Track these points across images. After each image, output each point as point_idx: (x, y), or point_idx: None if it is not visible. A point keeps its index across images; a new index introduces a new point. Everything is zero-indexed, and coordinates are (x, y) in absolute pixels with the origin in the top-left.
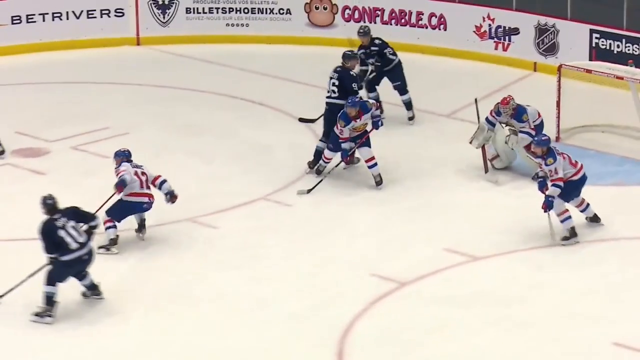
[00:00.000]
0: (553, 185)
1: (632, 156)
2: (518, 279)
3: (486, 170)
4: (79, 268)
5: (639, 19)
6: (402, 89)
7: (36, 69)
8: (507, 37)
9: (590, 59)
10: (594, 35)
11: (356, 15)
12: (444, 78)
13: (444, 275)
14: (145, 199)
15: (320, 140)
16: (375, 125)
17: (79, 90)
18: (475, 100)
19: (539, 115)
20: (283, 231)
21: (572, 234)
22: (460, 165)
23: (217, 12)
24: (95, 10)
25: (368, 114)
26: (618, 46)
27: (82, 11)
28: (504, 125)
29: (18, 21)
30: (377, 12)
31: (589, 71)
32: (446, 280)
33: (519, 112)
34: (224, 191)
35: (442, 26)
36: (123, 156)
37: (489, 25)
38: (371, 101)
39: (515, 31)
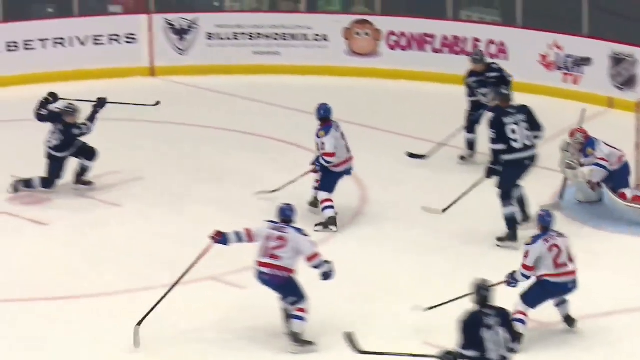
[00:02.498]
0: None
1: None
2: None
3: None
4: None
5: None
6: None
7: None
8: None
9: None
10: None
11: (403, 42)
12: None
13: None
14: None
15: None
16: None
17: None
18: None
19: (619, 159)
20: (321, 290)
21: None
22: None
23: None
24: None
25: None
26: None
27: None
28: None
29: None
30: (427, 38)
31: None
32: None
33: (586, 145)
34: (249, 245)
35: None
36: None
37: (557, 54)
38: None
39: (586, 62)
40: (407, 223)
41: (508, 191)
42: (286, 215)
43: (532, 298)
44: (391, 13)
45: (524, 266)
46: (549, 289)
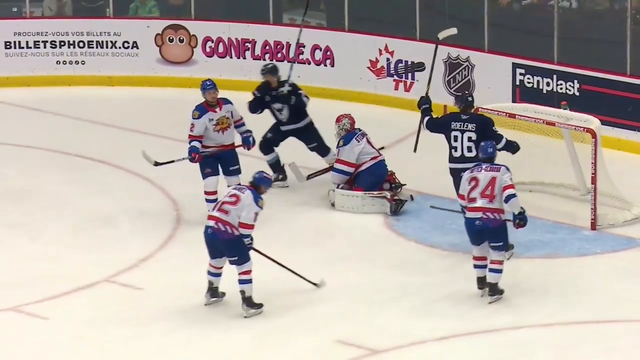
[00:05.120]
0: None
1: (566, 221)
2: None
3: None
4: None
5: (571, 50)
6: (322, 148)
7: None
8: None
9: (514, 101)
10: (518, 70)
11: (221, 49)
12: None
13: None
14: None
15: None
16: (246, 141)
17: None
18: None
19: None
20: (131, 323)
21: None
22: None
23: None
24: None
25: (229, 106)
26: (548, 84)
27: None
28: None
29: None
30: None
31: (512, 116)
32: None
33: (343, 137)
34: (56, 273)
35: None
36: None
37: (387, 59)
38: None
39: (419, 67)
40: None
41: None
42: (255, 179)
43: None
44: (207, 17)
45: (458, 195)
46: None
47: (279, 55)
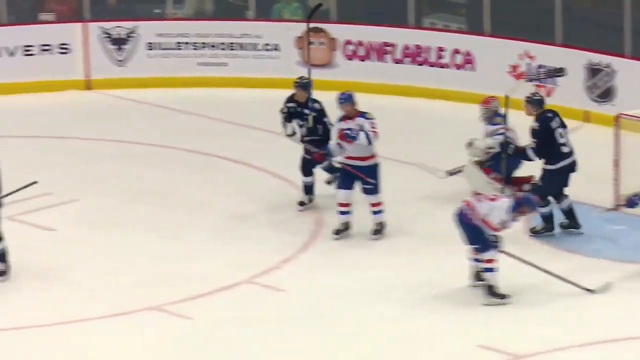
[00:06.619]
0: None
1: None
2: None
3: None
4: None
5: None
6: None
7: None
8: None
9: None
10: None
11: (361, 52)
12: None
13: None
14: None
15: None
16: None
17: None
18: None
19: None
20: (273, 324)
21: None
22: None
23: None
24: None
25: (363, 120)
26: None
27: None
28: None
29: None
30: (387, 47)
31: None
32: None
33: (497, 114)
34: (197, 273)
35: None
36: None
37: (528, 64)
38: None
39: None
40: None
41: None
42: (521, 197)
43: None
44: (348, 20)
45: None
46: None
47: (419, 58)
